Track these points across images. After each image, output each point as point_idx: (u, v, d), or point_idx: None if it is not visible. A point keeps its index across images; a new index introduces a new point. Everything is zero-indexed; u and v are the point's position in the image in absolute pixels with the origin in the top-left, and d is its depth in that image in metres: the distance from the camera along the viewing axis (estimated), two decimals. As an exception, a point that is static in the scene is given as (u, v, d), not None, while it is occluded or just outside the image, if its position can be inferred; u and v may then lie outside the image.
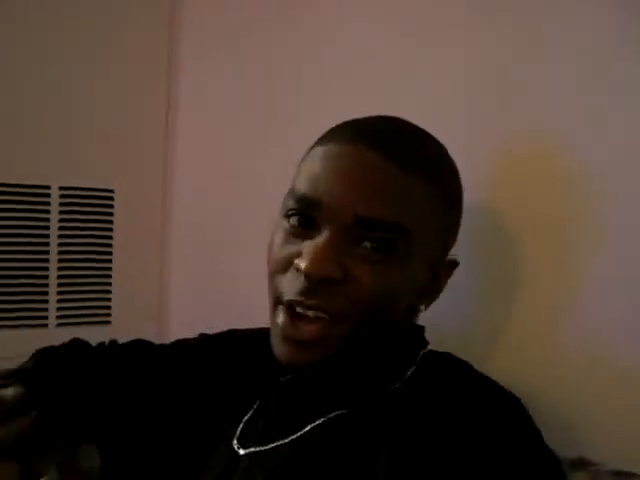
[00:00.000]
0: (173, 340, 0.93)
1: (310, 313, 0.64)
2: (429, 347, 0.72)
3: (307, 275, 0.62)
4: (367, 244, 0.63)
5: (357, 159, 0.65)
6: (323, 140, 0.69)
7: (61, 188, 1.32)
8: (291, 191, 0.67)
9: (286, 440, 0.68)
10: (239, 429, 0.75)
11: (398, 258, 0.64)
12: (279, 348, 0.66)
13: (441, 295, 0.74)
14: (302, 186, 0.66)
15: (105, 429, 0.85)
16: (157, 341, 0.93)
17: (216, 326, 0.91)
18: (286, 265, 0.65)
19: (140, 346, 0.92)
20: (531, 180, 0.86)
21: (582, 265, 0.82)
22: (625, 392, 0.79)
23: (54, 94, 1.31)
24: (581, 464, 0.75)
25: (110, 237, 1.39)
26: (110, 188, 1.38)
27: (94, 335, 0.95)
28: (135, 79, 1.39)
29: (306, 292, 0.63)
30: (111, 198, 1.38)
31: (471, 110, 0.93)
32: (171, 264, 1.45)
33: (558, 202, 0.84)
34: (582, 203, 0.82)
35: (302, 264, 0.62)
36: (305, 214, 0.66)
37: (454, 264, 0.74)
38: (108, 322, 1.40)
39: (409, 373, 0.68)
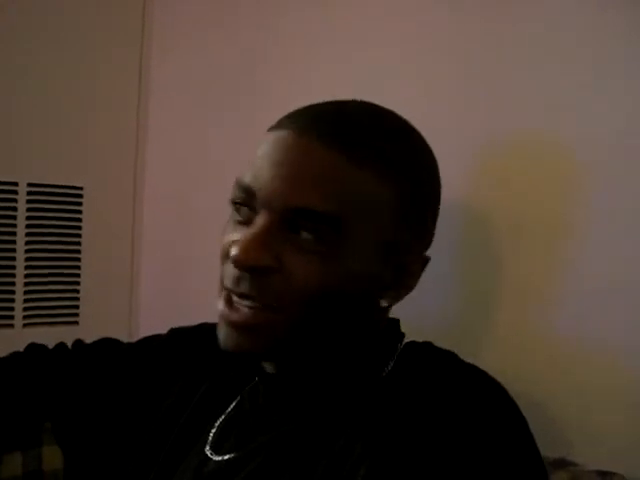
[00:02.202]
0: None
1: (243, 302, 0.63)
2: (408, 339, 0.70)
3: (235, 263, 0.61)
4: (305, 234, 0.62)
5: (291, 145, 0.63)
6: (271, 126, 0.68)
7: (29, 185, 1.29)
8: (236, 179, 0.67)
9: (262, 442, 0.66)
10: (212, 433, 0.73)
11: (335, 249, 0.62)
12: (219, 333, 0.65)
13: (426, 293, 0.72)
14: (245, 175, 0.65)
15: (68, 430, 0.82)
16: (126, 340, 0.91)
17: (186, 324, 0.90)
18: (227, 253, 0.65)
19: (106, 345, 0.89)
20: (517, 178, 0.87)
21: (571, 263, 0.83)
22: (608, 392, 0.79)
23: (22, 90, 1.28)
24: (562, 464, 0.75)
25: (79, 235, 1.36)
26: (79, 185, 1.36)
27: (62, 335, 0.93)
28: (105, 76, 1.37)
29: (236, 281, 0.63)
30: (80, 195, 1.36)
31: (460, 108, 0.93)
32: (141, 263, 1.43)
33: (545, 200, 0.85)
34: (570, 200, 0.83)
35: (232, 252, 0.62)
36: (245, 203, 0.65)
37: (425, 260, 0.70)
38: (76, 322, 1.37)
39: (389, 367, 0.66)
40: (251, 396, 0.72)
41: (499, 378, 0.62)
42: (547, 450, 0.60)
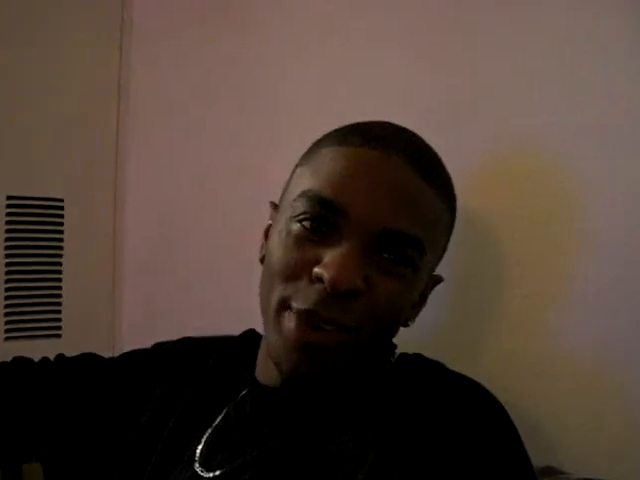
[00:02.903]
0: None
1: (327, 326, 0.61)
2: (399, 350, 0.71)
3: (333, 286, 0.59)
4: (386, 255, 0.62)
5: (391, 169, 0.62)
6: (341, 140, 0.66)
7: (9, 197, 1.27)
8: (305, 193, 0.63)
9: (253, 456, 0.65)
10: (199, 449, 0.70)
11: (411, 272, 0.63)
12: (287, 354, 0.62)
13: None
14: (324, 189, 0.62)
15: (49, 446, 0.81)
16: (109, 354, 0.91)
17: (169, 338, 0.89)
18: (299, 271, 0.62)
19: (87, 360, 0.88)
20: (514, 183, 0.87)
21: (568, 267, 0.82)
22: (596, 401, 0.79)
23: (2, 102, 1.26)
24: (549, 473, 0.75)
25: (60, 247, 1.35)
26: (60, 197, 1.34)
27: (44, 349, 0.92)
28: (84, 87, 1.36)
29: (324, 303, 0.60)
30: (61, 208, 1.34)
31: (460, 116, 0.92)
32: (123, 275, 1.42)
33: (542, 203, 0.85)
34: (567, 204, 0.82)
35: (326, 274, 0.59)
36: (326, 219, 0.62)
37: (439, 280, 0.74)
38: (58, 335, 1.35)
39: (383, 378, 0.66)
40: (238, 409, 0.71)
41: (495, 387, 0.63)
42: (535, 459, 0.60)
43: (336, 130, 0.70)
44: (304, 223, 0.62)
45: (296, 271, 0.62)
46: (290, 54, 1.11)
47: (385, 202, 0.61)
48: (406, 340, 0.71)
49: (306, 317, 0.61)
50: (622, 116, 0.79)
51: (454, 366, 0.66)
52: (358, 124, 0.69)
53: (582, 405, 0.80)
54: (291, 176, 0.71)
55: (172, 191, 1.32)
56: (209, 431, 0.72)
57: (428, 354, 0.69)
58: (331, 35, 1.06)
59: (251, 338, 0.81)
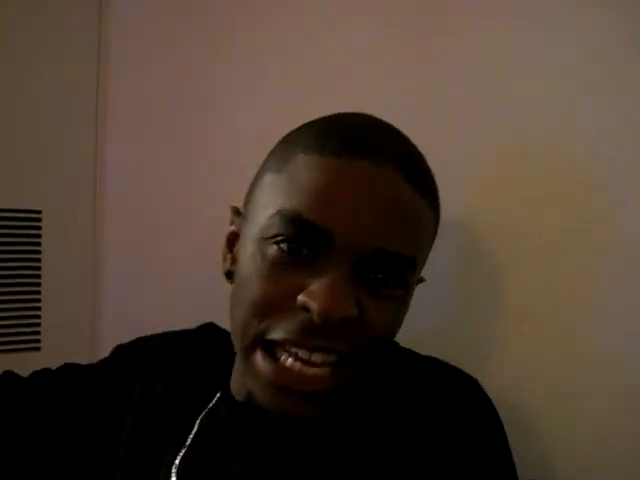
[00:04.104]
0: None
1: (317, 358, 0.55)
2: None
3: (325, 317, 0.52)
4: (374, 275, 0.56)
5: (380, 182, 0.55)
6: (321, 147, 0.57)
7: (-15, 209, 1.27)
8: (281, 212, 0.55)
9: (239, 471, 0.61)
10: (174, 471, 0.64)
11: (409, 292, 0.60)
12: (271, 398, 0.56)
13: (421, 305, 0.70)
14: (305, 209, 0.54)
15: (26, 464, 0.76)
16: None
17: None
18: (279, 302, 0.55)
19: (58, 376, 0.81)
20: (515, 185, 0.85)
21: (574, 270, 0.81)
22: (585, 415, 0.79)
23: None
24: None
25: (38, 260, 1.33)
26: (38, 209, 1.33)
27: (24, 362, 0.91)
28: (63, 98, 1.35)
29: (312, 333, 0.54)
30: (39, 220, 1.33)
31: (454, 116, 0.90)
32: (103, 287, 1.41)
33: (540, 205, 0.83)
34: (570, 207, 0.81)
35: (315, 304, 0.52)
36: (307, 241, 0.55)
37: (419, 280, 0.68)
38: (38, 348, 1.34)
39: (370, 387, 0.62)
40: (212, 423, 0.66)
41: (497, 392, 0.62)
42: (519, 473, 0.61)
43: (310, 127, 0.62)
44: (281, 245, 0.55)
45: (275, 303, 0.55)
46: (265, 54, 1.11)
47: (377, 221, 0.54)
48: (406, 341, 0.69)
49: (291, 350, 0.55)
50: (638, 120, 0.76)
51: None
52: (336, 123, 0.61)
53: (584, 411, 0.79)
54: (258, 181, 0.63)
55: (152, 202, 1.32)
56: (183, 451, 0.65)
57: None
58: (307, 37, 1.06)
59: (211, 334, 0.76)
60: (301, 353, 0.55)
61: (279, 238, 0.55)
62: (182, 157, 1.26)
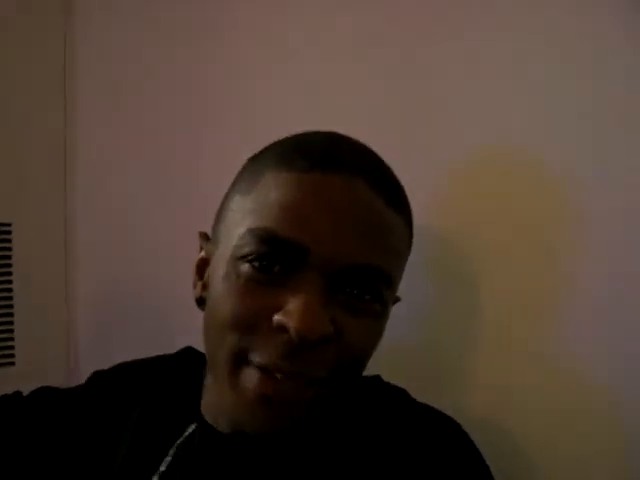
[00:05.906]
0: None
1: (295, 379, 0.54)
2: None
3: (302, 336, 0.51)
4: (351, 290, 0.55)
5: (352, 196, 0.55)
6: (288, 163, 0.57)
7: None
8: (253, 231, 0.55)
9: None
10: None
11: (383, 307, 0.58)
12: (250, 413, 0.55)
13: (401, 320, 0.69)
14: (278, 227, 0.54)
15: None
16: (65, 380, 0.87)
17: (124, 359, 0.86)
18: (255, 320, 0.54)
19: (34, 400, 0.76)
20: (498, 191, 0.83)
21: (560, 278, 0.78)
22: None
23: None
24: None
25: (9, 273, 1.31)
26: (7, 222, 1.31)
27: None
28: (30, 109, 1.33)
29: (290, 356, 0.53)
30: (9, 232, 1.31)
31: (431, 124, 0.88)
32: (76, 298, 1.39)
33: (529, 216, 0.80)
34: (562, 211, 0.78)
35: (292, 323, 0.51)
36: (280, 259, 0.54)
37: (396, 300, 0.67)
38: (12, 363, 1.31)
39: (346, 415, 0.62)
40: (186, 454, 0.64)
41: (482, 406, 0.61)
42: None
43: (276, 145, 0.62)
44: (254, 263, 0.55)
45: (252, 320, 0.54)
46: (241, 48, 1.09)
47: (351, 236, 0.54)
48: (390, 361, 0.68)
49: (271, 372, 0.54)
50: (618, 122, 0.74)
51: (438, 383, 0.63)
52: (301, 141, 0.61)
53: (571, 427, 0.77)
54: (227, 204, 0.63)
55: (123, 213, 1.30)
56: (158, 476, 0.63)
57: (413, 370, 0.65)
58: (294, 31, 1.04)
59: (189, 358, 0.75)
60: (279, 375, 0.54)
61: (251, 257, 0.55)
62: (159, 165, 1.24)
